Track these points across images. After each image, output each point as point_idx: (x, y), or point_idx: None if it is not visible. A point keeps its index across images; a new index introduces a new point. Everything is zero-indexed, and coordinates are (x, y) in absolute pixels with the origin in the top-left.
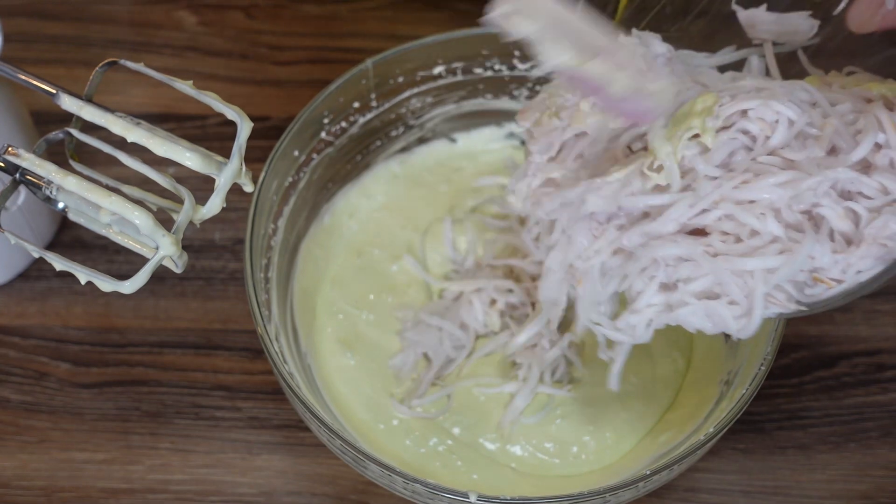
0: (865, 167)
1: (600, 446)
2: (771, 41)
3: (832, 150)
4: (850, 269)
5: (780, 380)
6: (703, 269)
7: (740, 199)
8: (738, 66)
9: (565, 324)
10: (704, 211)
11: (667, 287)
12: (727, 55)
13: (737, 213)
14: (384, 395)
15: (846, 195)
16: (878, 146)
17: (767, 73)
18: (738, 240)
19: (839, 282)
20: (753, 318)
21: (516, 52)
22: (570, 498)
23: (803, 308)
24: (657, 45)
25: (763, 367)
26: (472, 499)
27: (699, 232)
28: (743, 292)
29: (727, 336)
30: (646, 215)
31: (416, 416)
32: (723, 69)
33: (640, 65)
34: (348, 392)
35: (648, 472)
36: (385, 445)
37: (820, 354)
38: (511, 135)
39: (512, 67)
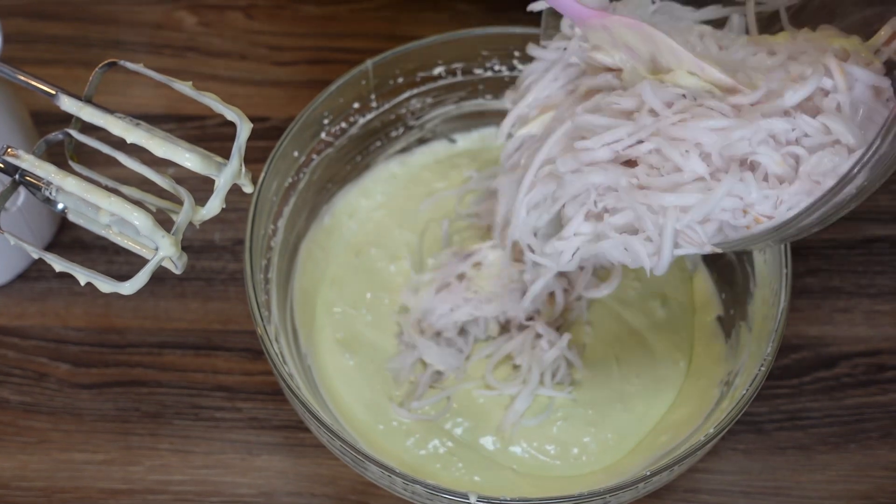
0: (813, 111)
1: (601, 447)
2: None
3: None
4: (782, 206)
5: (780, 380)
6: (624, 201)
7: (675, 136)
8: (722, 23)
9: (565, 325)
10: (640, 142)
11: (595, 216)
12: (711, 11)
13: (664, 148)
14: (384, 397)
15: (790, 140)
16: (825, 91)
17: (748, 31)
18: (663, 175)
19: (769, 217)
20: (663, 255)
21: (516, 53)
22: (571, 499)
23: (732, 242)
24: None
25: (763, 368)
26: (472, 499)
27: (632, 164)
28: (657, 229)
29: (727, 336)
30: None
31: (416, 419)
32: (708, 25)
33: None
34: (348, 393)
35: (648, 473)
36: (385, 446)
37: (820, 355)
38: (511, 136)
39: (512, 68)
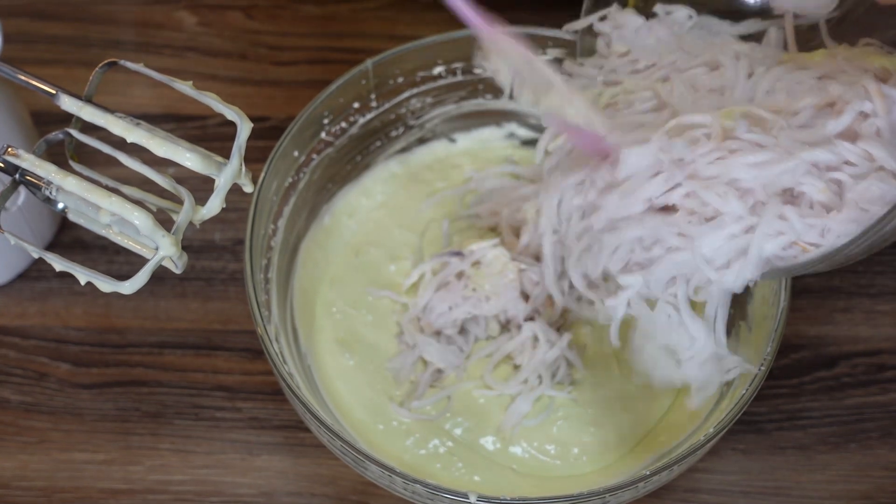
0: (852, 136)
1: (601, 447)
2: (792, 13)
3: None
4: (830, 234)
5: (780, 380)
6: (659, 269)
7: (710, 175)
8: (760, 36)
9: (565, 326)
10: (677, 186)
11: (639, 265)
12: (749, 25)
13: (699, 191)
14: (384, 397)
15: (831, 167)
16: (864, 115)
17: (786, 45)
18: (704, 219)
19: (816, 246)
20: (695, 338)
21: None
22: (570, 498)
23: (779, 271)
24: (679, 10)
25: (763, 368)
26: (472, 499)
27: (671, 209)
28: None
29: (727, 336)
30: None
31: (416, 419)
32: (745, 39)
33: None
34: (348, 393)
35: (648, 473)
36: (385, 446)
37: (820, 355)
38: (511, 135)
39: None
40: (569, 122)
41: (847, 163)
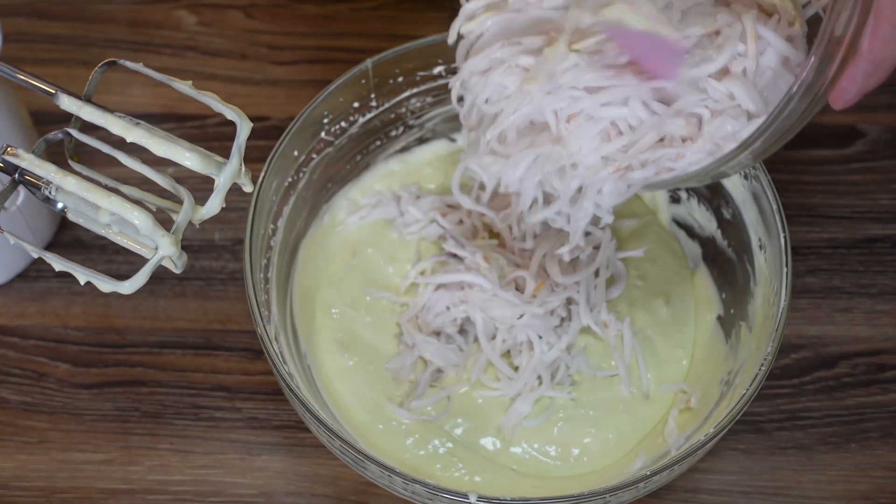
0: (723, 72)
1: (602, 448)
2: None
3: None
4: (683, 161)
5: (780, 380)
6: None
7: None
8: None
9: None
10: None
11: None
12: None
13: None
14: (383, 397)
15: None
16: (738, 55)
17: None
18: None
19: (671, 170)
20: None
21: None
22: (571, 498)
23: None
24: None
25: (763, 368)
26: (472, 499)
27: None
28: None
29: (727, 336)
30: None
31: (415, 420)
32: None
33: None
34: (348, 393)
35: (648, 473)
36: (385, 447)
37: (820, 355)
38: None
39: None
40: (631, 32)
41: (710, 97)
